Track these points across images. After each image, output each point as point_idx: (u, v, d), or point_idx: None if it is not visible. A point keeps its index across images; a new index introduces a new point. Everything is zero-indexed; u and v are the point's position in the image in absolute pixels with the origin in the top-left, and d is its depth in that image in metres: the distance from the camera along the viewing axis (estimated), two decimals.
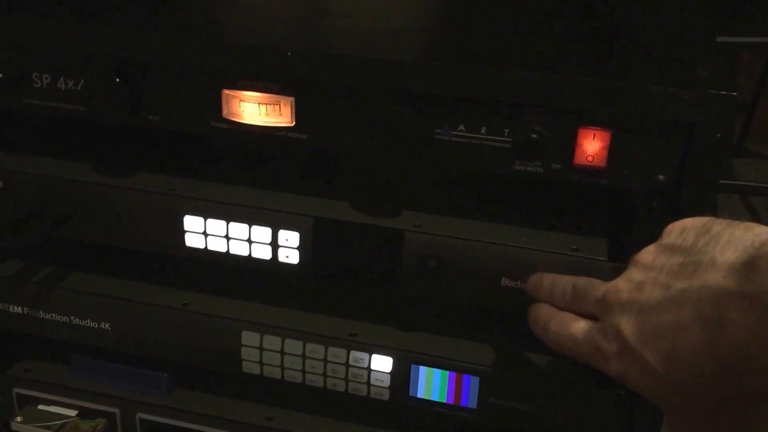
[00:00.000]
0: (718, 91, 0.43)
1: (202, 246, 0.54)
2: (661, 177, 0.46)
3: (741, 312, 0.33)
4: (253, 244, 0.53)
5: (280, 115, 0.49)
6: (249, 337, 0.56)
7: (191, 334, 0.57)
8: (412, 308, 0.58)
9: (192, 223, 0.54)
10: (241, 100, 0.49)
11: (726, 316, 0.33)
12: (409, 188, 0.58)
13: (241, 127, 0.50)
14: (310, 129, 0.50)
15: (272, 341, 0.55)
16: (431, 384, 0.54)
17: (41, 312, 0.59)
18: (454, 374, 0.53)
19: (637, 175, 0.47)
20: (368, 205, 0.53)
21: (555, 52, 0.52)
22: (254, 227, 0.53)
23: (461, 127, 0.48)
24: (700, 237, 0.37)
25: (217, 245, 0.54)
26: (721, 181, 0.45)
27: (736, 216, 0.37)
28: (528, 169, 0.48)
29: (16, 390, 0.62)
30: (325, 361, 0.55)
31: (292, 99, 0.49)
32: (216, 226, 0.53)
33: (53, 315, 0.59)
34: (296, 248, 0.53)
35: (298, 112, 0.49)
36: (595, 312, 0.41)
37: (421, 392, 0.54)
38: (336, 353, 0.54)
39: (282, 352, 0.55)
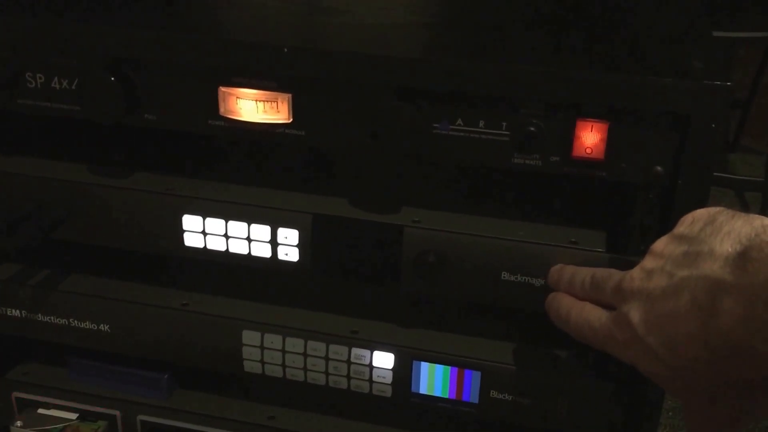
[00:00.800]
0: (713, 82, 0.43)
1: (201, 245, 0.54)
2: (658, 168, 0.46)
3: (732, 301, 0.34)
4: (252, 243, 0.53)
5: (278, 111, 0.49)
6: (250, 336, 0.55)
7: (191, 334, 0.57)
8: (413, 304, 0.58)
9: (191, 222, 0.53)
10: (238, 98, 0.49)
11: (719, 305, 0.34)
12: (407, 184, 0.58)
13: (239, 124, 0.50)
14: (308, 125, 0.50)
15: (273, 340, 0.55)
16: (433, 380, 0.54)
17: (39, 315, 0.59)
18: (455, 369, 0.53)
19: (635, 166, 0.47)
20: (367, 201, 0.53)
21: (551, 46, 0.52)
22: (253, 225, 0.53)
23: (459, 121, 0.48)
24: (705, 227, 0.38)
25: (216, 244, 0.54)
26: (715, 174, 0.46)
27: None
28: (526, 162, 0.48)
29: (15, 394, 0.62)
30: (327, 358, 0.55)
31: (290, 95, 0.49)
32: (215, 225, 0.53)
33: (52, 318, 0.58)
34: (296, 246, 0.52)
35: (296, 109, 0.49)
36: (612, 301, 0.42)
37: (423, 388, 0.54)
38: (337, 350, 0.54)
39: (283, 351, 0.55)
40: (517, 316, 0.55)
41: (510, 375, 0.53)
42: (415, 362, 0.54)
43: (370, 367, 0.54)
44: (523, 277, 0.50)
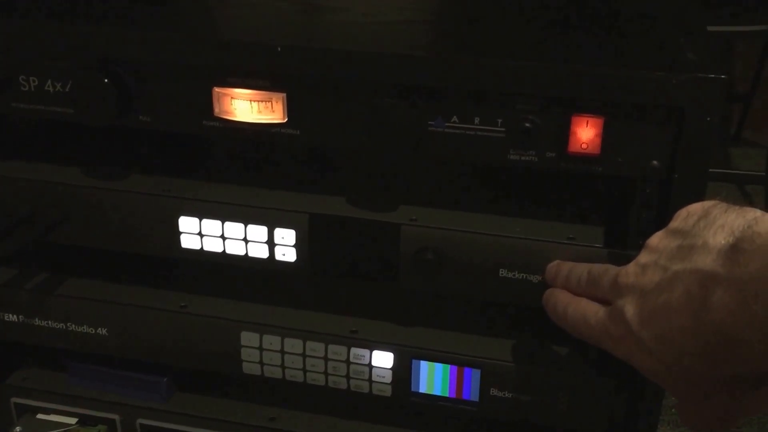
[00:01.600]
0: (707, 75, 0.43)
1: (198, 247, 0.54)
2: (655, 163, 0.46)
3: (724, 293, 0.33)
4: (249, 243, 0.53)
5: (273, 111, 0.49)
6: (248, 338, 0.55)
7: (190, 336, 0.56)
8: (412, 303, 0.58)
9: (187, 224, 0.53)
10: (232, 98, 0.49)
11: (710, 297, 0.34)
12: (404, 182, 0.58)
13: (233, 124, 0.50)
14: (303, 125, 0.49)
15: (272, 341, 0.55)
16: (433, 378, 0.54)
17: (37, 319, 0.58)
18: (455, 368, 0.53)
19: (631, 161, 0.46)
20: (364, 200, 0.53)
21: (546, 41, 0.52)
22: (250, 226, 0.52)
23: (455, 118, 0.48)
24: (699, 221, 0.37)
25: (213, 246, 0.54)
26: (717, 170, 0.45)
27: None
28: (523, 158, 0.48)
29: (14, 400, 0.62)
30: (326, 359, 0.55)
31: (284, 95, 0.48)
32: (211, 226, 0.53)
33: (49, 322, 0.58)
34: (293, 246, 0.52)
35: (291, 108, 0.49)
36: (608, 296, 0.42)
37: (423, 387, 0.54)
38: (336, 351, 0.54)
39: (282, 352, 0.55)
40: (516, 313, 0.55)
41: (510, 372, 0.52)
42: (414, 361, 0.53)
43: (370, 366, 0.54)
44: (521, 274, 0.50)
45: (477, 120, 0.47)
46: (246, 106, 0.49)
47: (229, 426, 0.60)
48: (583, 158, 0.47)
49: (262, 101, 0.49)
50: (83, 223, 0.55)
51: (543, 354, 0.54)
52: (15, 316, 0.59)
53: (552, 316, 0.46)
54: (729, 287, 0.33)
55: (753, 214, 0.35)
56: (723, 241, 0.34)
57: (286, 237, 0.52)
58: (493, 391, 0.53)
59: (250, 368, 0.56)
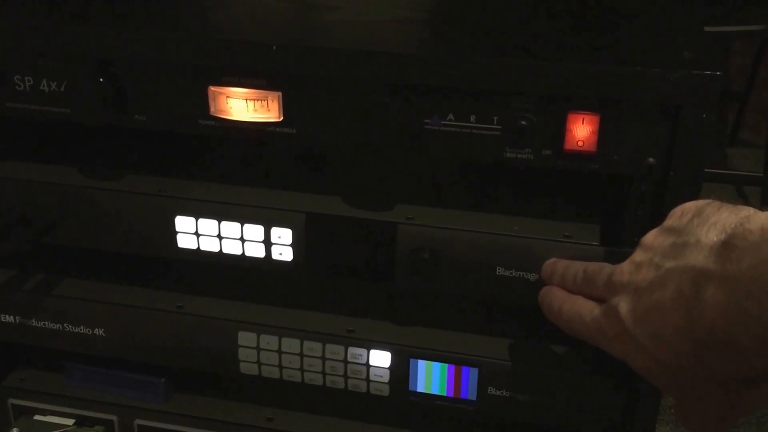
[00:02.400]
0: (702, 72, 0.43)
1: (194, 246, 0.54)
2: (651, 160, 0.46)
3: (715, 290, 0.33)
4: (245, 243, 0.53)
5: (268, 110, 0.49)
6: (246, 338, 0.55)
7: (187, 336, 0.56)
8: (409, 302, 0.58)
9: (183, 223, 0.53)
10: (228, 97, 0.49)
11: (702, 295, 0.34)
12: (400, 181, 0.58)
13: (229, 123, 0.50)
14: (299, 123, 0.49)
15: (269, 341, 0.55)
16: (431, 377, 0.54)
17: (33, 320, 0.58)
18: (453, 367, 0.53)
19: (627, 158, 0.46)
20: (360, 199, 0.53)
21: (541, 39, 0.52)
22: (246, 225, 0.52)
23: (450, 116, 0.47)
24: (693, 219, 0.37)
25: (209, 245, 0.53)
26: (714, 171, 0.45)
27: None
28: (519, 156, 0.48)
29: (11, 401, 0.62)
30: (324, 358, 0.54)
31: (280, 94, 0.48)
32: (208, 225, 0.53)
33: (46, 323, 0.58)
34: (289, 245, 0.52)
35: (286, 107, 0.49)
36: (603, 294, 0.42)
37: (421, 386, 0.54)
38: (334, 350, 0.54)
39: (279, 352, 0.55)
40: (514, 312, 0.55)
41: (508, 371, 0.52)
42: (412, 360, 0.53)
43: (367, 366, 0.54)
44: (518, 272, 0.50)
45: (473, 118, 0.47)
46: (242, 105, 0.49)
47: (227, 426, 0.59)
48: (579, 156, 0.47)
49: (257, 100, 0.49)
50: (79, 223, 0.55)
51: (541, 353, 0.54)
52: (12, 317, 0.59)
53: (547, 314, 0.46)
54: (721, 284, 0.33)
55: (746, 211, 0.35)
56: (715, 239, 0.34)
57: (282, 236, 0.52)
58: (491, 390, 0.53)
59: (247, 368, 0.56)
